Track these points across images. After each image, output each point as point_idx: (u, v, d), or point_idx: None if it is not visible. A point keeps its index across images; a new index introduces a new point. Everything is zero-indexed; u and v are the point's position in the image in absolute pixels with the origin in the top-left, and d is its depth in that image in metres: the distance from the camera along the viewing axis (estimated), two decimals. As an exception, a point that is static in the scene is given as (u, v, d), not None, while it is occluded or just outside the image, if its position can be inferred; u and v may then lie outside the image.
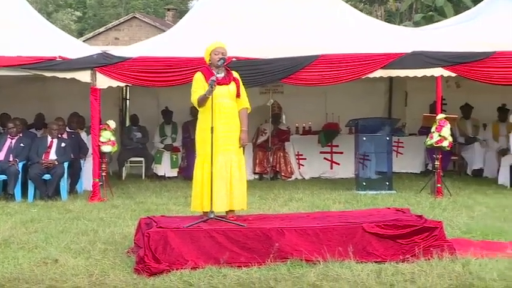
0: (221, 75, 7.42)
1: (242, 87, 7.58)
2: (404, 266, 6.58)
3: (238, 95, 7.49)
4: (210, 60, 7.50)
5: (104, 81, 11.38)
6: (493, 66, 11.60)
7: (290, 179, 14.10)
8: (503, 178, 12.80)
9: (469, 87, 13.82)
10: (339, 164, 14.44)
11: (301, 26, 12.11)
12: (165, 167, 14.27)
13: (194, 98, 7.39)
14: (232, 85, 7.45)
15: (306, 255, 6.69)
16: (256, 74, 11.34)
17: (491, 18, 12.57)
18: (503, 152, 13.34)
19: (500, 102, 14.40)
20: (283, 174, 14.18)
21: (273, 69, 11.51)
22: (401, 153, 14.55)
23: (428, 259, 6.72)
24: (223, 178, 7.26)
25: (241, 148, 7.53)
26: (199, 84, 7.36)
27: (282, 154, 14.21)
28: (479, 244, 7.52)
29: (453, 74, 11.74)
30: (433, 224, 7.28)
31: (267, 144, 14.25)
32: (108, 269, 6.59)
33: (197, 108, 7.48)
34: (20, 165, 11.54)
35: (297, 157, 14.47)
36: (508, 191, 12.00)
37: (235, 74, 7.59)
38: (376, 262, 6.70)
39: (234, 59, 10.50)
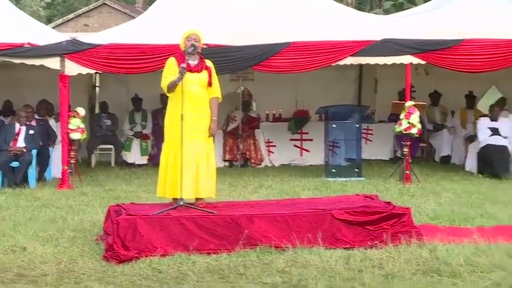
0: (194, 62, 7.42)
1: (215, 76, 7.58)
2: (372, 252, 6.65)
3: (210, 84, 7.49)
4: (184, 47, 7.49)
5: (73, 68, 11.28)
6: (461, 54, 11.70)
7: (260, 166, 14.11)
8: (470, 165, 12.94)
9: (438, 74, 13.96)
10: (308, 151, 14.49)
11: (272, 12, 12.10)
12: (134, 155, 14.20)
13: (164, 83, 7.39)
14: (204, 73, 7.45)
15: (275, 242, 6.73)
16: (227, 61, 11.31)
17: (460, 5, 12.67)
18: (470, 139, 13.50)
19: (468, 90, 14.53)
20: (253, 161, 14.19)
21: (244, 56, 11.50)
22: (371, 140, 14.62)
23: (396, 245, 6.79)
24: (189, 165, 7.26)
25: (211, 137, 7.54)
26: (170, 70, 7.37)
27: (252, 141, 14.22)
28: (446, 230, 7.61)
29: (422, 62, 11.82)
30: (401, 211, 7.35)
31: (237, 132, 14.25)
32: (76, 256, 6.57)
33: (166, 93, 7.48)
34: (-12, 152, 11.43)
35: (267, 144, 14.48)
36: (474, 177, 12.13)
37: (208, 63, 7.58)
38: (344, 248, 6.77)
39: (204, 46, 10.43)
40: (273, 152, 14.50)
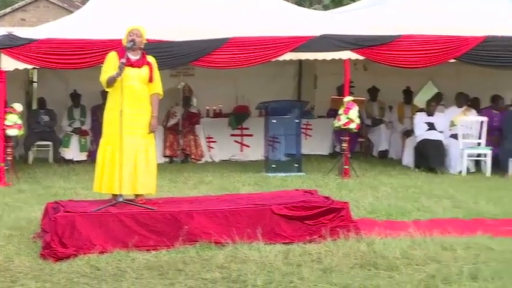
0: (135, 57, 7.40)
1: (156, 73, 7.57)
2: (311, 246, 6.71)
3: (150, 80, 7.46)
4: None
5: (9, 63, 11.08)
6: (398, 50, 11.86)
7: (200, 162, 14.06)
8: (407, 159, 13.16)
9: (376, 70, 14.11)
10: (249, 146, 14.52)
11: (211, 8, 12.10)
12: (73, 151, 14.01)
13: (103, 78, 7.35)
14: (145, 69, 7.43)
15: (215, 238, 6.74)
16: (167, 56, 11.24)
17: (398, 2, 12.84)
18: (407, 134, 13.71)
19: (405, 85, 14.75)
20: (193, 157, 14.14)
21: (184, 51, 11.48)
22: (310, 136, 14.71)
23: (335, 239, 6.87)
24: (127, 161, 7.24)
25: (151, 133, 7.52)
26: (110, 64, 7.33)
27: (192, 137, 14.16)
28: (384, 224, 7.76)
29: (361, 57, 11.95)
30: (340, 205, 7.45)
31: (178, 127, 14.20)
32: (12, 254, 6.46)
33: (105, 88, 7.43)
34: None
35: (207, 140, 14.45)
36: (411, 171, 12.33)
37: (150, 59, 7.56)
38: (284, 243, 6.81)
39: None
40: (213, 148, 14.49)
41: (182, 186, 10.60)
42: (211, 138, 14.50)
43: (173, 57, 11.44)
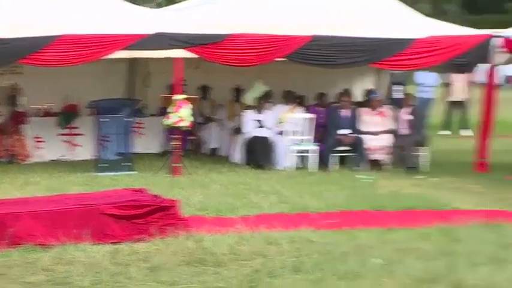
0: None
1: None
2: (140, 245, 6.74)
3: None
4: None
5: None
6: (229, 48, 12.03)
7: (27, 162, 13.59)
8: (237, 156, 13.41)
9: (208, 68, 14.22)
10: (79, 145, 14.23)
11: (43, 3, 11.79)
12: None
13: None
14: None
15: (40, 240, 6.62)
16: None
17: (229, 0, 13.04)
18: (236, 131, 13.94)
19: (235, 83, 14.99)
20: (19, 157, 13.68)
21: (12, 49, 11.10)
22: (143, 134, 14.65)
23: (164, 237, 6.92)
24: None
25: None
26: None
27: (17, 137, 13.67)
28: (213, 220, 7.90)
29: (194, 56, 12.02)
30: (169, 203, 7.52)
31: (3, 127, 13.69)
32: None
33: None
34: None
35: (35, 140, 14.02)
36: (241, 168, 12.55)
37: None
38: (112, 243, 6.79)
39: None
40: (41, 148, 14.07)
41: (8, 188, 10.24)
42: (39, 138, 14.06)
43: (0, 55, 11.05)
